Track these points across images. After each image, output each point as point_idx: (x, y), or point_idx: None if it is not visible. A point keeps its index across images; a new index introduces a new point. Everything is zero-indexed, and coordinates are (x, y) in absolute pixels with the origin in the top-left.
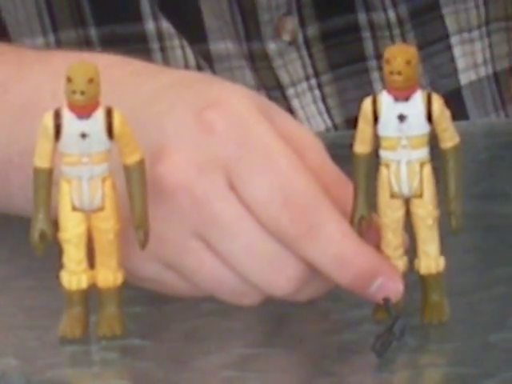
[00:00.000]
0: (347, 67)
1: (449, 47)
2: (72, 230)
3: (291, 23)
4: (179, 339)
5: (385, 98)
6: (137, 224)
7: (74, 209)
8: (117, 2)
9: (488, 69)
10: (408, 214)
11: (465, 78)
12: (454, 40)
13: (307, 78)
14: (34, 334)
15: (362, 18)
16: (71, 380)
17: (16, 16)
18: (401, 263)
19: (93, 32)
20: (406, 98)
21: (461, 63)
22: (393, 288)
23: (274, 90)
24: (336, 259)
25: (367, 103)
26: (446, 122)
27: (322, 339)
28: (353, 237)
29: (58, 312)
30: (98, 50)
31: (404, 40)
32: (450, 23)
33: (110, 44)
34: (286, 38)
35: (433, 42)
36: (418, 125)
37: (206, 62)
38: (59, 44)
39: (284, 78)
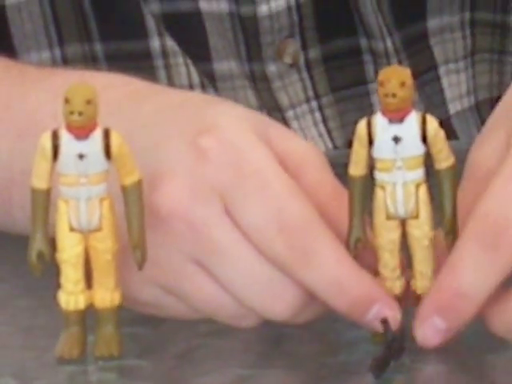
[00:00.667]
0: (348, 90)
1: (437, 77)
2: (69, 250)
3: (293, 46)
4: (176, 359)
5: (379, 120)
6: (134, 244)
7: (72, 229)
8: (123, 19)
9: (471, 99)
10: (404, 235)
11: (452, 108)
12: (441, 70)
13: (308, 101)
14: (33, 354)
15: (363, 42)
16: None
17: (23, 29)
18: (398, 284)
19: (98, 47)
20: (401, 120)
21: (448, 93)
22: (390, 315)
23: (274, 111)
24: (332, 286)
25: (362, 125)
26: (441, 143)
27: (319, 360)
28: (349, 263)
29: (56, 332)
30: (104, 66)
31: None
32: (438, 53)
33: (116, 60)
34: (288, 60)
35: (424, 72)
36: (412, 146)
37: (210, 80)
38: (65, 59)
39: (283, 100)
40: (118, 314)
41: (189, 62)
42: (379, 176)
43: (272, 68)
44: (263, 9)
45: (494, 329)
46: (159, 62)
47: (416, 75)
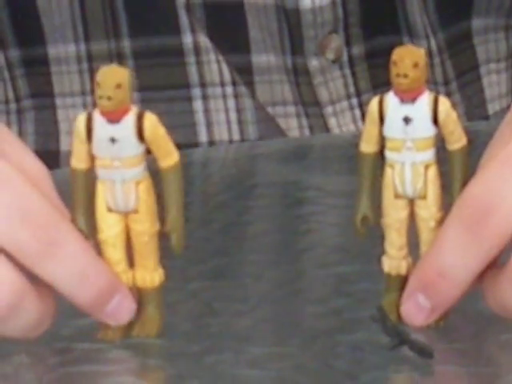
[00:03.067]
0: (390, 87)
1: (479, 77)
2: (107, 230)
3: (336, 41)
4: (190, 337)
5: (391, 99)
6: (170, 227)
7: (109, 210)
8: (155, 14)
9: (509, 99)
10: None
11: (491, 108)
12: (483, 70)
13: (348, 97)
14: (46, 332)
15: (406, 40)
16: (83, 378)
17: (52, 20)
18: (404, 264)
19: (126, 44)
20: (413, 100)
21: (488, 93)
22: (128, 306)
23: (312, 106)
24: (77, 276)
25: (374, 103)
26: (453, 125)
27: (335, 337)
28: (93, 255)
29: (73, 310)
30: (130, 63)
31: (444, 70)
32: (480, 53)
33: (144, 57)
34: (330, 56)
35: (466, 72)
36: (423, 128)
37: (246, 74)
38: (90, 55)
39: (323, 95)
40: (159, 295)
41: (221, 59)
42: (389, 155)
43: (314, 63)
44: (306, 2)
45: (489, 305)
46: (191, 59)
47: (458, 75)
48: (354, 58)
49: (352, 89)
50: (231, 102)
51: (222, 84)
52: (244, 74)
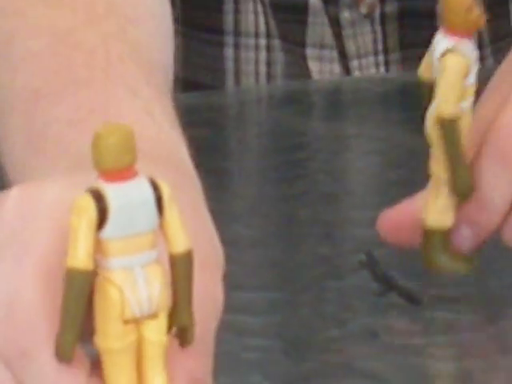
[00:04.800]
0: (418, 49)
1: None
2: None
3: None
4: None
5: None
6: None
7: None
8: None
9: None
10: None
11: None
12: None
13: (375, 53)
14: None
15: (439, 6)
16: None
17: None
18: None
19: None
20: None
21: None
22: None
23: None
24: None
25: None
26: None
27: (323, 283)
28: (68, 373)
29: None
30: None
31: (479, 34)
32: None
33: None
34: (363, 9)
35: (500, 38)
36: None
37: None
38: None
39: (351, 48)
40: None
41: (259, 10)
42: None
43: (346, 14)
44: None
45: (506, 239)
46: (229, 6)
47: (493, 40)
48: (387, 15)
49: (380, 46)
50: (263, 55)
51: (257, 35)
52: (279, 12)
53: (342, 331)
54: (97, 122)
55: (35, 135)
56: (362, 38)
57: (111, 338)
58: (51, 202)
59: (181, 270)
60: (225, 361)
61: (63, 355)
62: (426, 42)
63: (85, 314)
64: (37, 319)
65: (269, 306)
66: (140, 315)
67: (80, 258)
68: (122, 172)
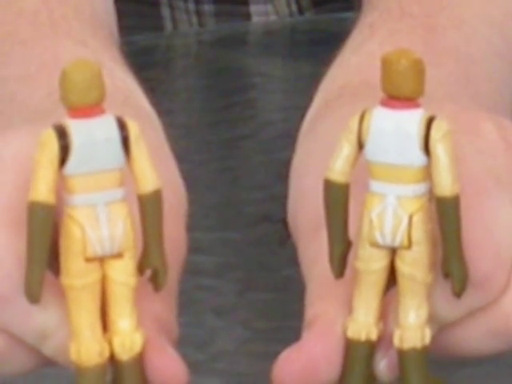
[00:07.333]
0: None
1: None
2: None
3: None
4: None
5: None
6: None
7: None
8: None
9: None
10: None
11: None
12: None
13: None
14: None
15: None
16: None
17: None
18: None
19: None
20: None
21: None
22: None
23: None
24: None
25: None
26: None
27: (276, 223)
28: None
29: None
30: None
31: None
32: None
33: None
34: None
35: None
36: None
37: None
38: None
39: None
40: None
41: None
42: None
43: None
44: None
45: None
46: None
47: None
48: None
49: None
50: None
51: None
52: None
53: (298, 270)
54: (49, 75)
55: None
56: None
57: (73, 275)
58: (12, 154)
59: (150, 210)
60: (178, 300)
61: (31, 293)
62: None
63: (50, 251)
64: (9, 265)
65: (221, 245)
66: (102, 254)
67: (40, 191)
68: (89, 109)
